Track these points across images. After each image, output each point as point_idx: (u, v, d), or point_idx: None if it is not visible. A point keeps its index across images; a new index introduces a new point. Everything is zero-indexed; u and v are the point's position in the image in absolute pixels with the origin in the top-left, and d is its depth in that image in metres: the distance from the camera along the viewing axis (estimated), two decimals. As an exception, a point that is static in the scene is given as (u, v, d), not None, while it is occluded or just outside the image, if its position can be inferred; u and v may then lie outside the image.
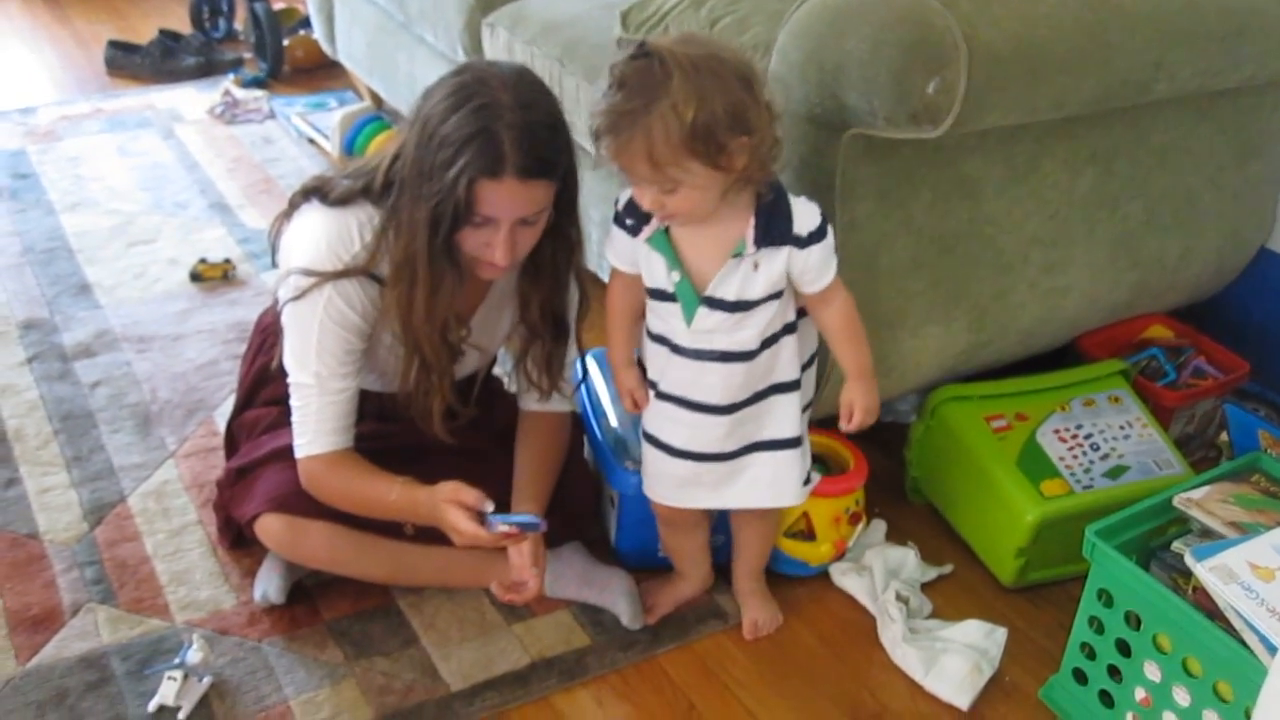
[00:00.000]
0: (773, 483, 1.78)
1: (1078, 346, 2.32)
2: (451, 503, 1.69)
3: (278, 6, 4.25)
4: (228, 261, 2.90)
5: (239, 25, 4.49)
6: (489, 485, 1.72)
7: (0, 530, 2.07)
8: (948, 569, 2.08)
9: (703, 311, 1.64)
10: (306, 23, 4.20)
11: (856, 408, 1.75)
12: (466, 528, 1.68)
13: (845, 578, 2.03)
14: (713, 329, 1.65)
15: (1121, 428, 2.11)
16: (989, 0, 1.75)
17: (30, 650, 1.84)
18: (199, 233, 3.09)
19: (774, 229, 1.60)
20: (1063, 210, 2.08)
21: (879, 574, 2.00)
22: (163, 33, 4.25)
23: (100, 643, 1.86)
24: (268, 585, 1.91)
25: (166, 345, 2.59)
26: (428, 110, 1.60)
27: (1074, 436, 2.08)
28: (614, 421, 2.02)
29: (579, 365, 2.01)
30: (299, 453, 1.77)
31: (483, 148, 1.54)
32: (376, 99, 3.74)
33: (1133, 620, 1.66)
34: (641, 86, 1.44)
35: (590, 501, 2.03)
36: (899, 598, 1.95)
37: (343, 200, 1.73)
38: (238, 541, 2.02)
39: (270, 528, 1.82)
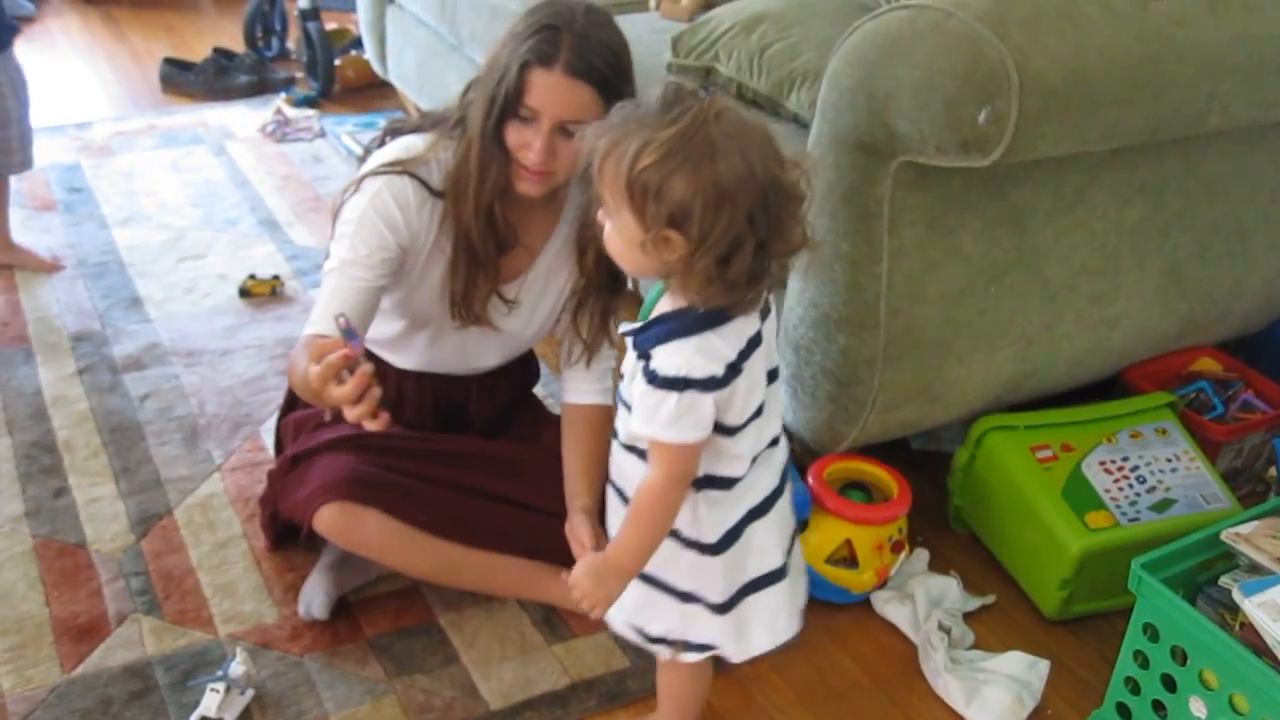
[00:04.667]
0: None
1: (1125, 378, 2.31)
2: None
3: (330, 27, 4.29)
4: (276, 278, 2.93)
5: (291, 45, 4.54)
6: (527, 487, 1.78)
7: (49, 539, 2.09)
8: (990, 599, 2.07)
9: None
10: (358, 43, 4.24)
11: (580, 588, 1.47)
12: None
13: (887, 606, 2.02)
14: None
15: (1169, 461, 2.09)
16: (1041, 30, 1.75)
17: (76, 658, 1.86)
18: (248, 249, 3.13)
19: (646, 335, 1.40)
20: (1112, 241, 2.07)
21: (921, 603, 1.99)
22: (217, 51, 4.30)
23: (144, 653, 1.87)
24: (312, 600, 1.93)
25: (214, 360, 2.62)
26: (506, 30, 1.72)
27: (1120, 469, 2.06)
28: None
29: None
30: (305, 329, 1.75)
31: (542, 38, 1.65)
32: (426, 119, 3.76)
33: (1178, 655, 1.65)
34: (658, 109, 1.33)
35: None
36: (941, 627, 1.94)
37: (413, 130, 1.86)
38: (281, 539, 2.05)
39: (326, 515, 1.84)
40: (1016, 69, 1.67)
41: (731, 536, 1.50)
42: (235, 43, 4.51)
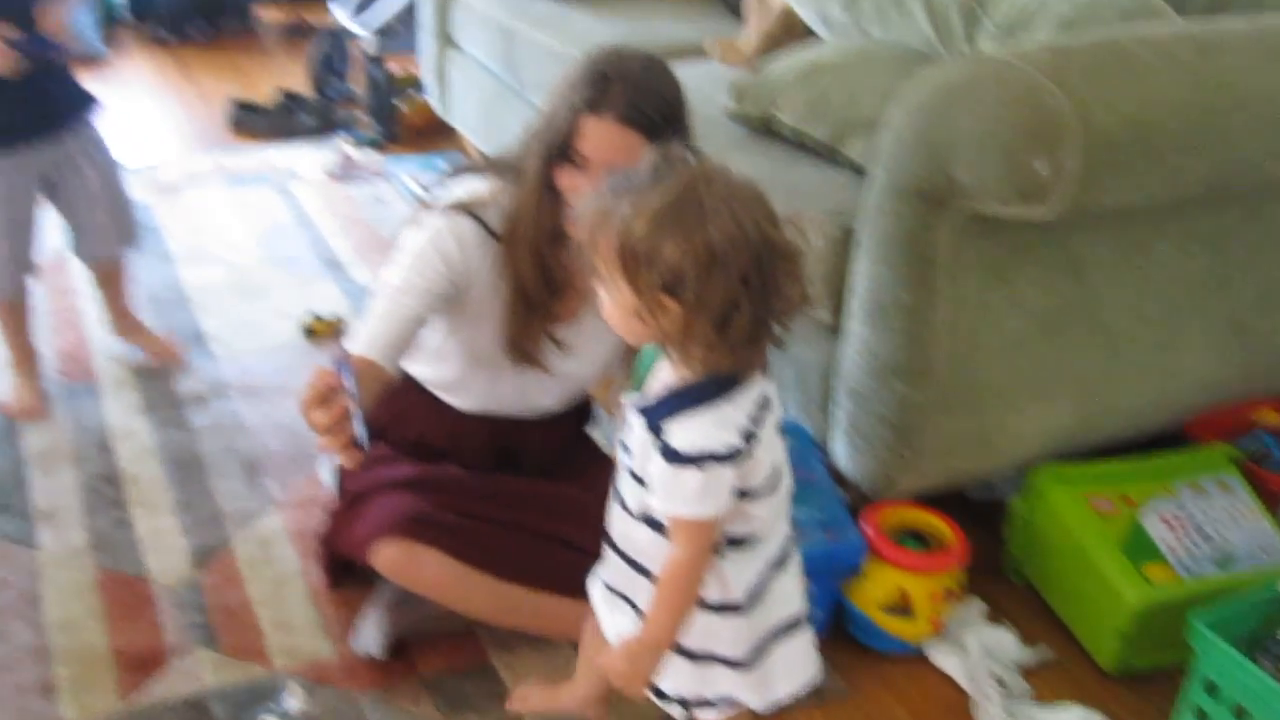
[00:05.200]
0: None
1: (1185, 429, 2.29)
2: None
3: (393, 70, 4.35)
4: (339, 318, 2.97)
5: (356, 87, 4.61)
6: (583, 529, 1.78)
7: (111, 570, 2.12)
8: (1047, 651, 2.04)
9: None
10: (420, 86, 4.31)
11: (614, 670, 1.49)
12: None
13: (942, 656, 2.00)
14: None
15: (1230, 514, 2.07)
16: (1102, 81, 1.75)
17: (134, 689, 1.88)
18: (311, 288, 3.17)
19: (657, 409, 1.39)
20: (1173, 291, 2.06)
21: (976, 653, 1.98)
22: (283, 93, 4.39)
23: (201, 685, 1.90)
24: (368, 637, 1.94)
25: (275, 397, 2.66)
26: (562, 76, 1.75)
27: (1180, 522, 2.04)
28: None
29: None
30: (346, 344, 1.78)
31: (594, 86, 1.69)
32: (486, 162, 3.81)
33: (1238, 712, 1.62)
34: (650, 177, 1.32)
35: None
36: (996, 679, 1.92)
37: (477, 173, 1.90)
38: (338, 575, 2.07)
39: (385, 553, 1.85)
40: (1078, 120, 1.68)
41: (757, 591, 1.48)
42: (301, 85, 4.59)
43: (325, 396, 1.48)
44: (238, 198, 3.71)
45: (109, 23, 5.23)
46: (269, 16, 5.67)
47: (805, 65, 2.39)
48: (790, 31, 2.91)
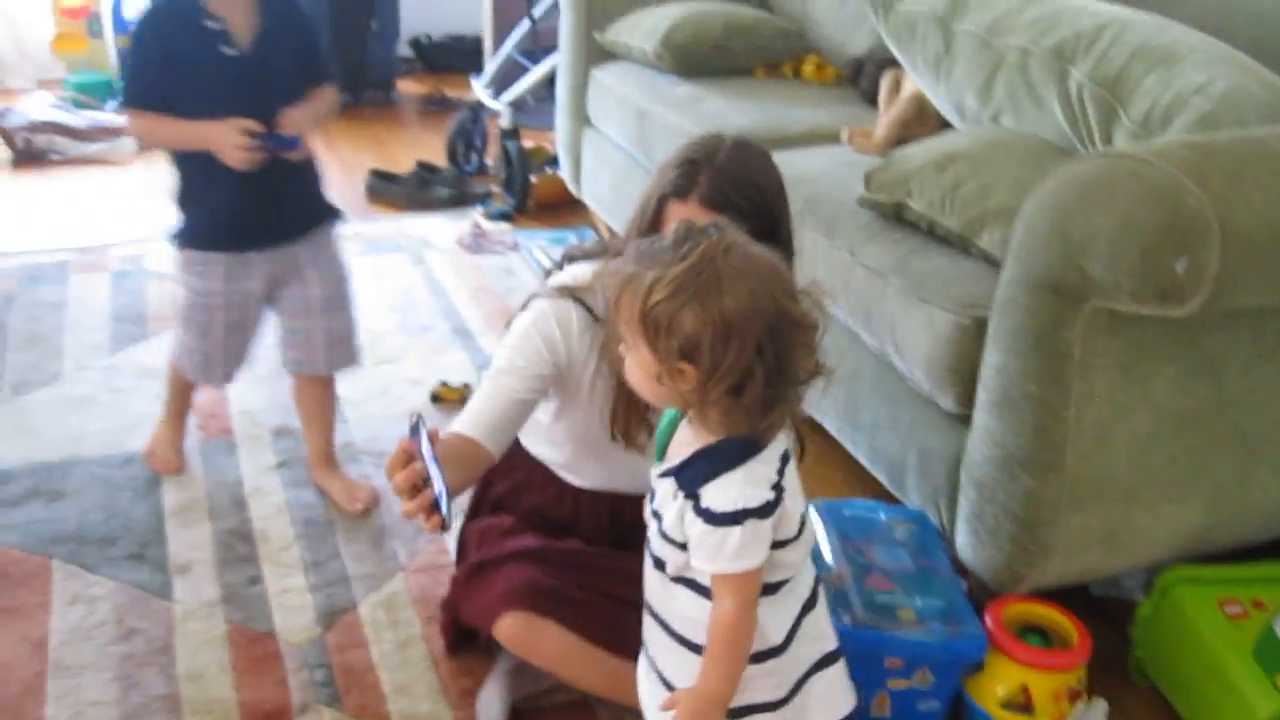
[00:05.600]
0: None
1: (1322, 536, 2.23)
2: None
3: (528, 145, 4.46)
4: (467, 385, 3.03)
5: (490, 161, 4.73)
6: None
7: (241, 625, 2.19)
8: (1172, 758, 2.00)
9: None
10: (554, 161, 4.41)
11: (679, 711, 1.50)
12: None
13: (1062, 756, 1.97)
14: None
15: (1368, 626, 2.01)
16: (1242, 181, 1.74)
17: (260, 745, 1.93)
18: (441, 355, 3.25)
19: (687, 473, 1.45)
20: (1312, 393, 2.02)
21: (1098, 756, 1.94)
22: (420, 164, 4.52)
23: (324, 744, 1.94)
24: (488, 706, 1.97)
25: (404, 462, 2.71)
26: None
27: (1315, 631, 1.98)
28: (835, 575, 2.02)
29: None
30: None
31: (681, 172, 1.75)
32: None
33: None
34: (671, 246, 1.39)
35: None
36: (1118, 783, 1.88)
37: (586, 257, 1.94)
38: (460, 643, 2.10)
39: (506, 624, 1.88)
40: (1217, 219, 1.67)
41: (792, 633, 1.53)
42: (438, 157, 4.72)
43: (405, 461, 1.53)
44: (373, 265, 3.82)
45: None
46: (409, 90, 5.85)
47: (938, 154, 2.40)
48: (923, 119, 2.93)
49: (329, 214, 2.56)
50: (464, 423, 1.80)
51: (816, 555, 2.07)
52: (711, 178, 1.73)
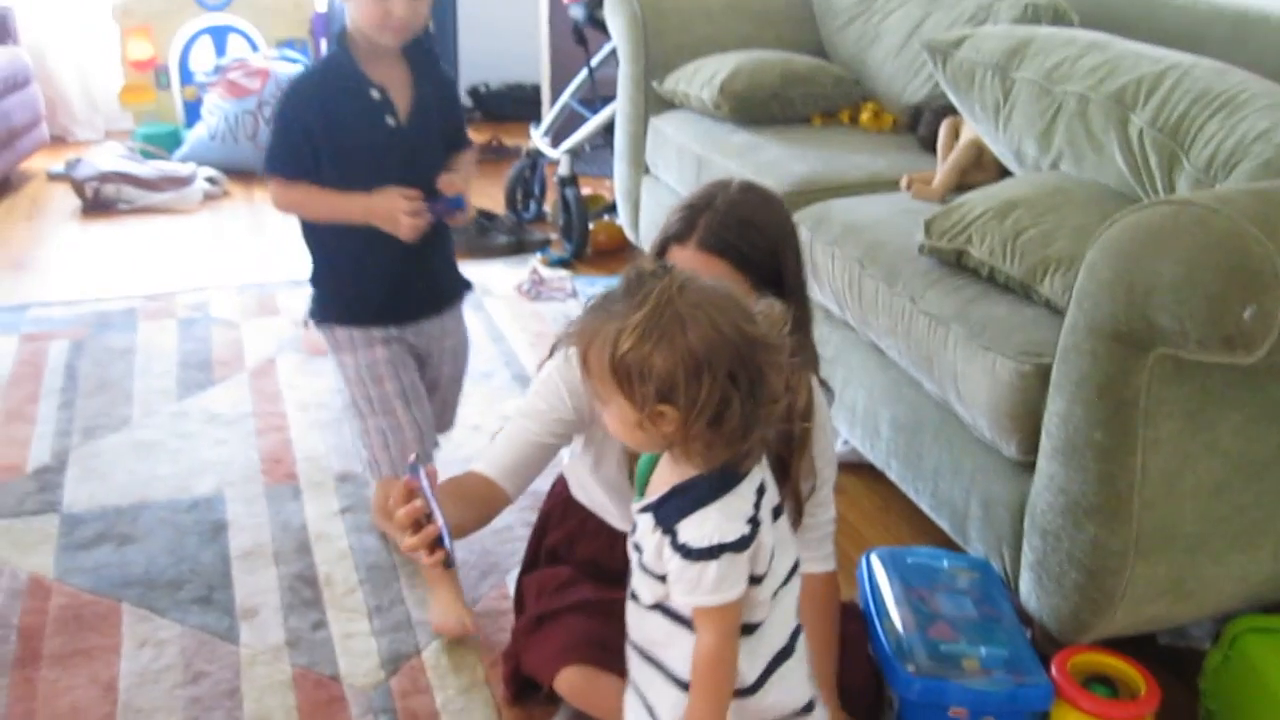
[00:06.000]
0: None
1: (1395, 586, 2.19)
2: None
3: (586, 192, 4.50)
4: (526, 431, 3.05)
5: (549, 208, 4.78)
6: None
7: (306, 669, 2.21)
8: (1243, 812, 1.96)
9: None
10: (611, 208, 4.45)
11: None
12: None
13: (1131, 809, 1.94)
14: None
15: None
16: (1310, 228, 1.74)
17: (326, 789, 1.95)
18: (501, 402, 3.28)
19: (664, 508, 1.48)
20: (1383, 442, 2.00)
21: (1168, 809, 1.91)
22: (479, 212, 4.56)
23: (389, 789, 1.95)
24: (551, 755, 1.98)
25: (466, 507, 2.74)
26: None
27: (1390, 683, 1.95)
28: (898, 623, 2.02)
29: (863, 564, 2.03)
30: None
31: (682, 217, 1.79)
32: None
33: None
34: (624, 295, 1.43)
35: (871, 695, 2.02)
36: (1189, 837, 1.85)
37: None
38: (522, 693, 2.10)
39: (567, 676, 1.90)
40: (1284, 267, 1.66)
41: (764, 677, 1.54)
42: (496, 204, 4.78)
43: (406, 499, 1.56)
44: (434, 312, 3.86)
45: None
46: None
47: (998, 200, 2.40)
48: (982, 166, 2.94)
49: (465, 285, 2.62)
50: (483, 463, 1.85)
51: (877, 600, 2.07)
52: (710, 221, 1.77)
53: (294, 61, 5.34)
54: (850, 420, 2.69)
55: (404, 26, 2.23)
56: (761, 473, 1.51)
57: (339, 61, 2.27)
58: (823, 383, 1.92)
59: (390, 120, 2.28)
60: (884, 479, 2.61)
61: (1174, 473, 1.88)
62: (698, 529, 1.44)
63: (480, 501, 1.83)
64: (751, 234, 1.78)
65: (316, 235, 2.40)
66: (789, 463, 1.81)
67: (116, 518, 2.67)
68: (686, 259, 1.76)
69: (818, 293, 2.75)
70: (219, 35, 5.53)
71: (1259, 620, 2.04)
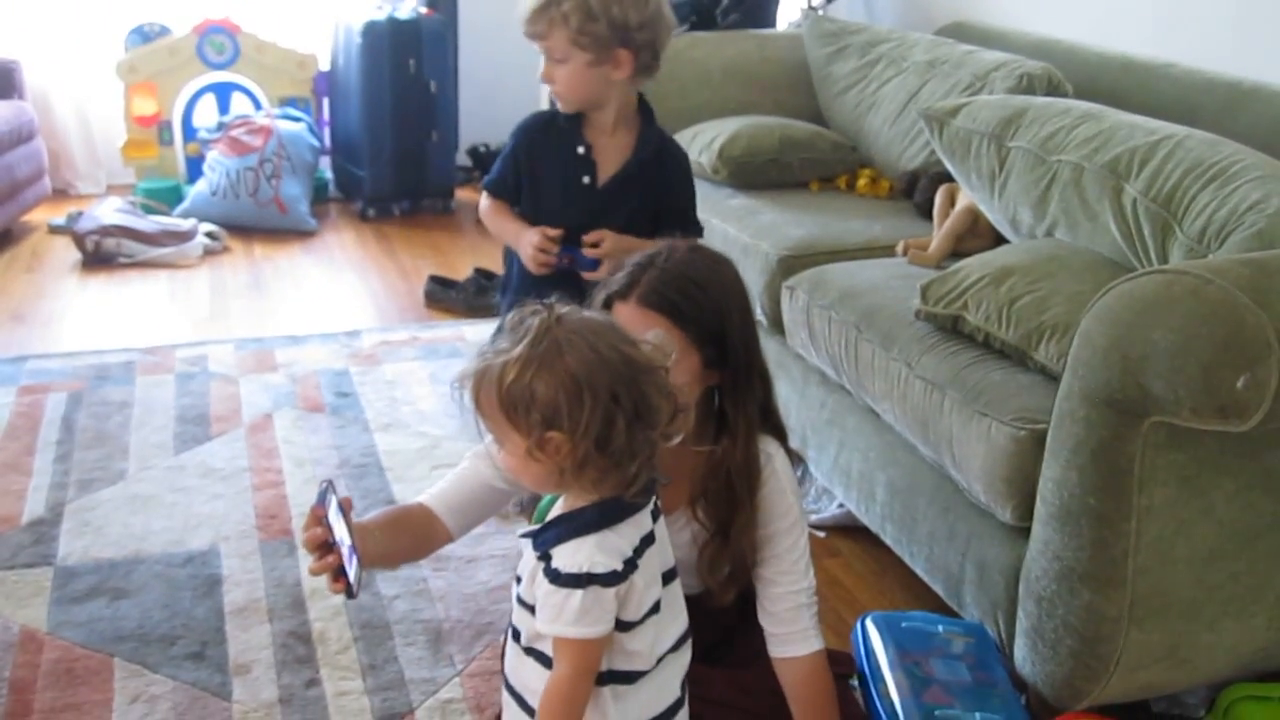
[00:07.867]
0: None
1: (1389, 656, 2.20)
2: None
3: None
4: (522, 490, 3.05)
5: (547, 268, 4.79)
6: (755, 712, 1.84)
7: (298, 728, 2.20)
8: None
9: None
10: (609, 269, 4.47)
11: None
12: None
13: None
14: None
15: None
16: (1302, 298, 1.76)
17: None
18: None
19: (545, 535, 1.53)
20: (1375, 511, 2.01)
21: None
22: (478, 271, 4.59)
23: None
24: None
25: (461, 566, 2.74)
26: None
27: (1384, 754, 1.95)
28: (893, 689, 2.02)
29: (858, 628, 2.03)
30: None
31: (629, 274, 1.80)
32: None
33: None
34: (508, 335, 1.48)
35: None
36: None
37: None
38: None
39: None
40: (1277, 337, 1.68)
41: None
42: (495, 264, 4.79)
43: (309, 523, 1.64)
44: (431, 370, 3.87)
45: (319, 199, 5.58)
46: (468, 198, 5.96)
47: (994, 267, 2.43)
48: (977, 232, 2.97)
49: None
50: (429, 496, 1.90)
51: (872, 665, 2.07)
52: (653, 279, 1.78)
53: (296, 120, 5.38)
54: (846, 483, 2.70)
55: (559, 96, 2.45)
56: (651, 524, 1.55)
57: (569, 113, 2.48)
58: (790, 451, 1.93)
59: (585, 178, 2.46)
60: (879, 543, 2.61)
61: (1168, 539, 1.89)
62: (571, 556, 1.48)
63: (417, 534, 1.87)
64: (693, 292, 1.79)
65: (506, 251, 2.65)
66: (729, 524, 1.83)
67: (110, 571, 2.66)
68: (626, 314, 1.78)
69: (814, 356, 2.77)
70: (223, 93, 5.57)
71: (1253, 688, 2.04)
